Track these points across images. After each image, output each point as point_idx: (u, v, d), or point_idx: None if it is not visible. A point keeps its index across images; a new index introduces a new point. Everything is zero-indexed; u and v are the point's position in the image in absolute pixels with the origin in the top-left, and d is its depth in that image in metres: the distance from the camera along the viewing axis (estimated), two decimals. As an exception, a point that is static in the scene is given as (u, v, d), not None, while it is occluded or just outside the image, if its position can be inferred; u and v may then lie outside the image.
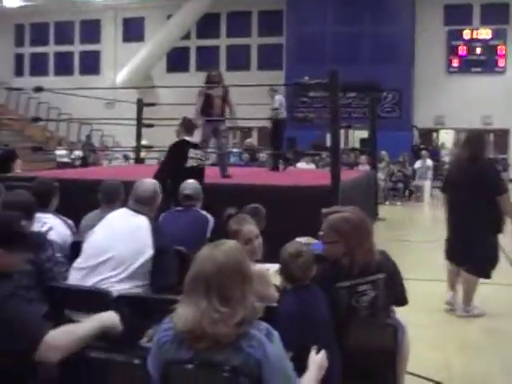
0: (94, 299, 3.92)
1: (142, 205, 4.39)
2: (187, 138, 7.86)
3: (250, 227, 4.10)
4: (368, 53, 24.98)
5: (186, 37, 28.68)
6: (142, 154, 16.70)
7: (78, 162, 21.84)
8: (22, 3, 28.50)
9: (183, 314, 2.43)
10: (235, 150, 18.52)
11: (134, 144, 19.92)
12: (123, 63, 28.22)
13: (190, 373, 2.46)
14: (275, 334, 2.47)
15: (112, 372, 2.89)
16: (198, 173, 7.34)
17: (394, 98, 24.92)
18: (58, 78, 28.20)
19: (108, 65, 29.90)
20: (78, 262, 4.16)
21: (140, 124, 13.91)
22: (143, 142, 16.29)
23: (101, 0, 27.89)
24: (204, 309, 2.38)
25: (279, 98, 12.22)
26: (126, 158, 21.89)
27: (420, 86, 25.54)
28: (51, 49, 31.54)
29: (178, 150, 7.69)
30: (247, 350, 2.37)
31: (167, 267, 4.23)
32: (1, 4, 28.73)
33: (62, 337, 2.85)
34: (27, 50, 32.05)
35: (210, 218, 5.60)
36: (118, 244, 4.08)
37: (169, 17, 28.50)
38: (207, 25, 28.40)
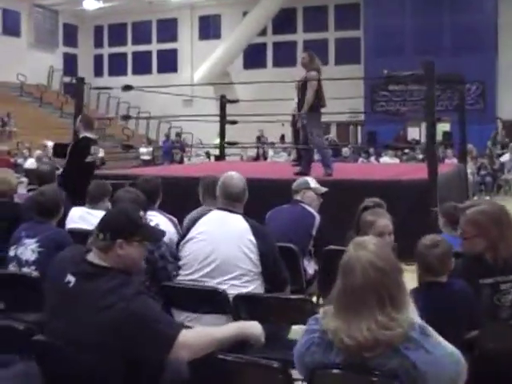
0: (210, 299, 3.83)
1: (234, 202, 4.25)
2: (88, 135, 8.19)
3: (386, 221, 3.97)
4: (449, 43, 24.35)
5: (263, 33, 28.62)
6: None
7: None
8: (101, 5, 28.94)
9: (347, 328, 2.26)
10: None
11: (214, 141, 20.16)
12: (200, 61, 28.37)
13: (339, 377, 2.33)
14: (426, 326, 2.32)
15: (247, 375, 2.78)
16: (93, 168, 8.05)
17: (477, 90, 24.19)
18: (136, 78, 28.53)
19: (185, 63, 30.10)
20: (183, 270, 4.09)
21: (224, 120, 13.84)
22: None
23: (177, -1, 28.14)
24: (378, 319, 2.22)
25: None
26: (208, 155, 22.00)
27: (504, 76, 24.71)
28: (129, 49, 31.98)
29: (82, 147, 8.08)
30: (403, 352, 2.22)
31: (276, 266, 4.11)
32: (81, 7, 29.24)
33: (197, 337, 2.77)
34: (106, 50, 32.60)
35: (317, 214, 5.43)
36: (222, 249, 3.96)
37: (245, 13, 28.50)
38: (283, 20, 28.25)
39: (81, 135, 8.30)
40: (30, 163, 16.80)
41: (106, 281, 2.76)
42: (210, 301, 3.79)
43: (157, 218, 4.98)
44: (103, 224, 2.96)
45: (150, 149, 22.80)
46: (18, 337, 3.08)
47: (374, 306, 2.24)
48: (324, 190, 5.80)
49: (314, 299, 5.05)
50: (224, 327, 2.94)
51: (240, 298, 3.81)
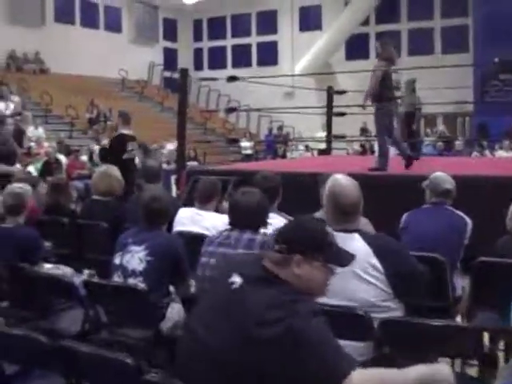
0: (352, 325, 3.17)
1: (348, 216, 3.39)
2: (125, 132, 8.25)
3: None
4: None
5: (365, 23, 27.68)
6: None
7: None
8: (200, -2, 28.78)
9: None
10: (428, 139, 17.37)
11: (316, 134, 19.54)
12: (301, 53, 27.72)
13: None
14: None
15: None
16: (131, 164, 7.77)
17: None
18: (236, 71, 28.10)
19: (285, 55, 29.51)
20: None
21: (330, 112, 13.18)
22: (323, 132, 15.68)
23: (277, -10, 27.59)
24: None
25: None
26: (308, 148, 21.44)
27: None
28: (229, 42, 31.68)
29: (118, 144, 8.20)
30: None
31: (414, 281, 3.41)
32: (180, 1, 29.12)
33: (372, 379, 2.21)
34: (205, 44, 32.43)
35: (468, 219, 4.63)
36: (340, 285, 3.04)
37: (346, 3, 27.66)
38: (387, 9, 27.24)
39: (118, 132, 8.38)
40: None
41: (277, 292, 2.38)
42: (351, 326, 3.13)
43: (275, 221, 4.38)
44: (281, 234, 2.57)
45: (252, 143, 22.38)
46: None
47: None
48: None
49: (458, 319, 4.33)
50: (404, 371, 2.29)
51: (386, 323, 3.14)
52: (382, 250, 3.21)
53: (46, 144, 15.52)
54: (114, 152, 8.20)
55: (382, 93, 8.34)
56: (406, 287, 3.27)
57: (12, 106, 19.01)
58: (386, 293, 3.21)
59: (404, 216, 4.78)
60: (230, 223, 3.87)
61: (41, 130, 17.55)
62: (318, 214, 4.18)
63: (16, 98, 20.01)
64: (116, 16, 29.33)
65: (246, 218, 3.79)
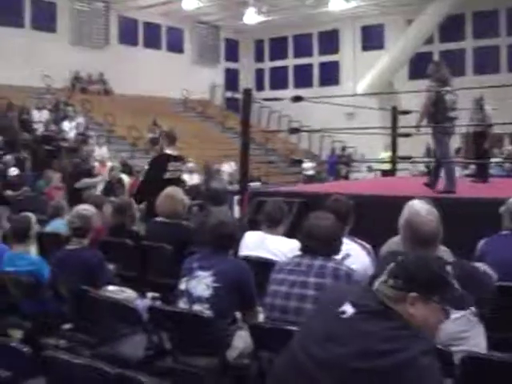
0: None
1: (427, 247, 3.30)
2: (168, 152, 8.27)
3: None
4: None
5: (429, 41, 27.25)
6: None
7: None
8: (261, 19, 28.79)
9: None
10: (495, 160, 16.86)
11: (380, 155, 19.24)
12: (363, 72, 27.45)
13: None
14: None
15: None
16: (174, 183, 7.46)
17: None
18: (297, 91, 28.00)
19: (347, 75, 29.29)
20: None
21: (395, 133, 12.92)
22: (388, 154, 15.40)
23: (339, 10, 27.31)
24: None
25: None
26: (370, 169, 21.15)
27: None
28: (290, 62, 31.62)
29: (159, 163, 8.18)
30: None
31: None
32: (241, 21, 29.27)
33: None
34: (267, 64, 32.45)
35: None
36: None
37: (409, 22, 27.27)
38: (451, 27, 26.77)
39: (163, 151, 8.50)
40: (194, 179, 16.59)
41: (391, 325, 2.26)
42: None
43: (348, 246, 4.20)
44: (398, 268, 2.38)
45: (314, 164, 22.20)
46: None
47: None
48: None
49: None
50: None
51: (468, 359, 2.91)
52: (466, 279, 2.99)
53: (109, 164, 15.64)
54: (154, 171, 8.22)
55: (436, 113, 8.27)
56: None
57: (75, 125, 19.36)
58: (471, 323, 3.02)
59: (480, 243, 4.53)
60: (302, 249, 3.70)
61: (104, 150, 17.72)
62: (396, 240, 3.97)
63: (80, 119, 20.31)
64: (178, 37, 29.62)
65: (318, 244, 3.61)
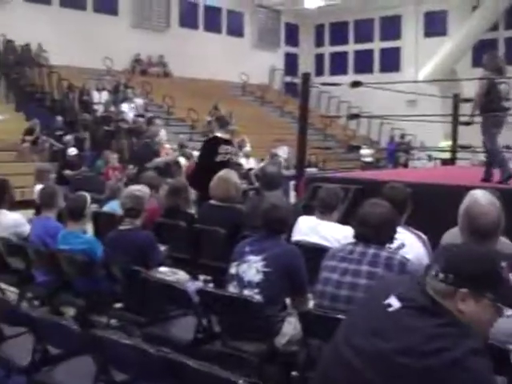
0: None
1: (484, 239, 3.17)
2: (219, 135, 8.22)
3: None
4: None
5: (494, 28, 26.60)
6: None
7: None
8: (322, 3, 28.52)
9: None
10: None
11: (440, 143, 18.88)
12: (425, 59, 26.95)
13: None
14: None
15: None
16: (225, 166, 7.30)
17: None
18: (357, 77, 27.67)
19: (409, 61, 28.79)
20: None
21: (456, 122, 12.61)
22: (448, 142, 15.07)
23: (401, -5, 26.93)
24: None
25: None
26: (430, 158, 20.78)
27: None
28: (350, 47, 31.29)
29: (210, 146, 8.20)
30: None
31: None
32: (302, 6, 29.04)
33: None
34: (327, 49, 32.19)
35: None
36: None
37: (474, 8, 26.66)
38: (517, 14, 26.11)
39: (213, 134, 8.45)
40: (251, 164, 16.57)
41: (439, 322, 2.16)
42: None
43: (403, 235, 4.09)
44: (448, 262, 2.26)
45: (373, 150, 21.94)
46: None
47: None
48: None
49: None
50: None
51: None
52: None
53: (167, 146, 15.72)
54: (206, 154, 8.28)
55: (488, 103, 7.99)
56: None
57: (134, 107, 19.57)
58: None
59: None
60: (355, 236, 3.61)
61: (163, 132, 17.82)
62: (454, 231, 3.84)
63: (139, 101, 20.48)
64: (238, 21, 29.60)
65: (372, 232, 3.51)
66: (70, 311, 5.36)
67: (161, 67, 25.47)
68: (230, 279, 4.03)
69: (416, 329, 2.14)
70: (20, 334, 3.91)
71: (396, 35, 29.69)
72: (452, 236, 3.87)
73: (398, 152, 22.71)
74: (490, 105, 8.01)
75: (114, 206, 6.75)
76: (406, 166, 21.06)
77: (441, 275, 2.22)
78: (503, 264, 2.26)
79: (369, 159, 21.24)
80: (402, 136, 24.76)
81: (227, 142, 8.24)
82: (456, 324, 2.16)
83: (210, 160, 7.97)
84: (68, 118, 18.06)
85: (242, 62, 27.60)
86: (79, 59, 21.41)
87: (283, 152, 16.88)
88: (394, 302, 2.24)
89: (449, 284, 2.20)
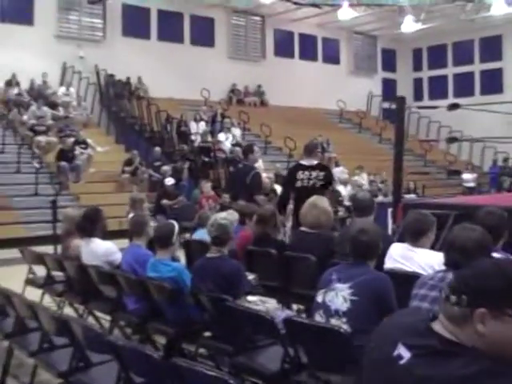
0: None
1: None
2: (301, 162, 8.54)
3: None
4: None
5: None
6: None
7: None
8: (420, 27, 28.09)
9: None
10: None
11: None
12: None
13: None
14: None
15: None
16: (304, 193, 7.40)
17: None
18: (457, 100, 27.02)
19: (511, 82, 27.94)
20: None
21: None
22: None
23: (501, 14, 26.07)
24: None
25: None
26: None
27: None
28: (450, 70, 30.63)
29: (290, 173, 8.60)
30: None
31: None
32: (398, 30, 28.72)
33: None
34: (425, 73, 31.63)
35: None
36: None
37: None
38: None
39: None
40: (349, 190, 16.36)
41: (460, 365, 1.82)
42: None
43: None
44: (459, 281, 1.95)
45: (475, 175, 21.29)
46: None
47: None
48: None
49: None
50: None
51: None
52: None
53: (264, 175, 15.75)
54: (287, 180, 8.70)
55: None
56: None
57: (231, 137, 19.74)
58: None
59: None
60: (445, 263, 3.42)
61: (260, 161, 17.86)
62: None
63: (237, 130, 20.66)
64: (334, 48, 29.53)
65: (462, 257, 3.31)
66: (161, 339, 5.36)
67: (257, 96, 25.69)
68: (316, 307, 3.91)
69: (435, 380, 1.84)
70: (105, 361, 3.91)
71: (497, 56, 28.87)
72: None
73: (501, 176, 21.96)
74: None
75: (202, 234, 6.76)
76: (510, 190, 20.35)
77: (452, 298, 1.92)
78: None
79: (471, 184, 20.64)
80: (506, 159, 23.95)
81: (311, 168, 8.18)
82: (483, 359, 1.84)
83: (291, 186, 8.20)
84: (166, 149, 18.41)
85: (338, 89, 27.49)
86: (177, 91, 21.89)
87: (361, 179, 16.65)
88: (404, 353, 1.95)
89: (463, 306, 1.89)
